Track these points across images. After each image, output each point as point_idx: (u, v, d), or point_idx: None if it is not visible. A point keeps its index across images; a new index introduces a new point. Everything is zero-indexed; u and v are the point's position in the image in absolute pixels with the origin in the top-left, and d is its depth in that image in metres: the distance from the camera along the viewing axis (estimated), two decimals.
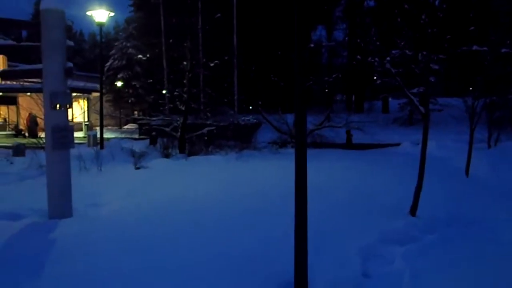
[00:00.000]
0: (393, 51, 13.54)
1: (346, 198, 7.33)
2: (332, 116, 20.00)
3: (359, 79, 28.11)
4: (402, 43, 11.39)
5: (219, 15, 27.80)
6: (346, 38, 32.61)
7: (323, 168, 9.97)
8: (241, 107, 26.13)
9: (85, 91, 31.40)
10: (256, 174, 10.23)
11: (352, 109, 30.93)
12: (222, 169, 11.12)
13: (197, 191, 8.06)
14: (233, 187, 8.42)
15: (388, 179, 9.43)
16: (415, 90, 16.94)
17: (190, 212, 6.36)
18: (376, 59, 10.81)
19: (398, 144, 17.98)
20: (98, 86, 29.11)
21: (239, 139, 17.39)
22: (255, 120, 21.90)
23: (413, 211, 6.52)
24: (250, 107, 22.83)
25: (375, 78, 22.78)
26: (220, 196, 7.55)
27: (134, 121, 35.13)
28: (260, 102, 20.00)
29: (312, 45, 29.77)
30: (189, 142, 15.82)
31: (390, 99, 29.99)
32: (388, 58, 10.53)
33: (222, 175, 10.11)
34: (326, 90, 23.05)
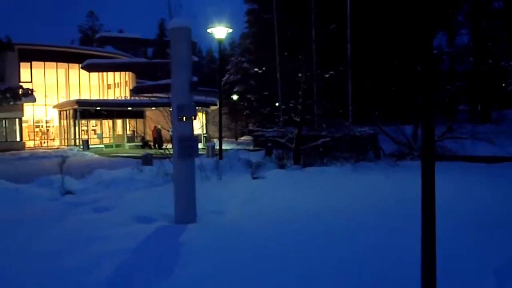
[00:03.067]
0: None
1: (477, 212, 6.74)
2: (455, 126, 18.66)
3: (486, 87, 25.92)
4: None
5: (334, 25, 27.67)
6: (470, 44, 30.37)
7: (449, 182, 9.31)
8: (356, 118, 25.61)
9: (204, 105, 33.23)
10: (375, 187, 9.87)
11: (478, 119, 28.62)
12: (339, 181, 10.94)
13: (313, 202, 8.01)
14: (351, 199, 8.23)
15: None
16: None
17: (309, 221, 6.39)
18: (511, 63, 9.87)
19: None
20: (215, 100, 30.62)
21: (355, 150, 16.97)
22: (371, 131, 21.27)
23: None
24: (365, 118, 22.25)
25: (503, 85, 20.82)
26: (338, 208, 7.41)
27: (249, 132, 36.29)
28: (376, 113, 19.39)
29: (435, 52, 28.27)
30: (303, 154, 15.83)
31: None
32: None
33: (339, 187, 9.95)
34: (447, 100, 21.58)
